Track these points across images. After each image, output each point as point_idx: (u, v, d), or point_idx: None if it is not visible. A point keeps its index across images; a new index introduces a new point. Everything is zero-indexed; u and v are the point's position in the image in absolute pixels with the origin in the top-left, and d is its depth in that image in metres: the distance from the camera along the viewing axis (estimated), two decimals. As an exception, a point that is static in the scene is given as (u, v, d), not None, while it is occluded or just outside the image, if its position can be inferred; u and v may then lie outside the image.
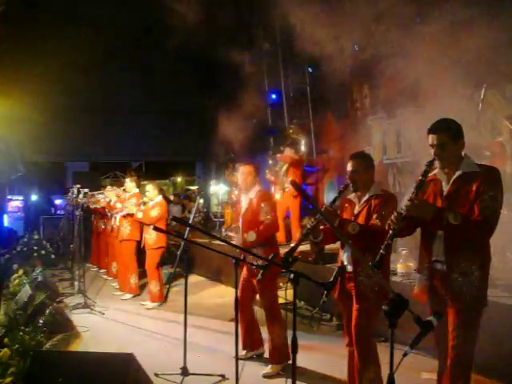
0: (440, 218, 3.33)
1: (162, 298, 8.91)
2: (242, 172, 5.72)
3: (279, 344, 5.45)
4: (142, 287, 9.74)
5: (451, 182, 3.53)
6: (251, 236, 5.43)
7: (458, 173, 3.49)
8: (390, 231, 3.47)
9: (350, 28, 10.39)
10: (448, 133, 3.48)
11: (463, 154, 3.54)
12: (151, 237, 8.71)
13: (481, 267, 3.41)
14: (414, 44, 9.18)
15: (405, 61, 9.28)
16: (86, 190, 9.63)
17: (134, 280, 9.36)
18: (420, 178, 3.49)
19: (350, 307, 4.22)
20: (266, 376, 5.36)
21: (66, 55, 12.82)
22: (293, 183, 3.01)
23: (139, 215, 8.81)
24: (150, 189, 8.83)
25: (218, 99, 12.94)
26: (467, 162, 3.51)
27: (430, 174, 3.57)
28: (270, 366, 5.48)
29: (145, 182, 9.46)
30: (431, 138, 3.52)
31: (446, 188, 3.55)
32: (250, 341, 5.89)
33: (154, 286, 8.78)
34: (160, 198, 8.95)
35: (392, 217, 3.46)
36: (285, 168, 10.09)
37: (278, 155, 10.29)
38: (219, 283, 10.51)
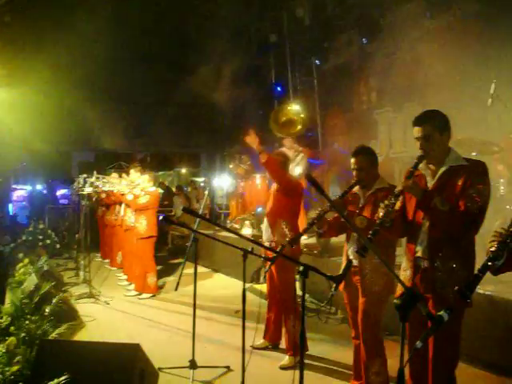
0: (428, 197, 3.24)
1: (157, 289, 8.93)
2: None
3: (297, 335, 5.43)
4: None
5: (437, 177, 3.40)
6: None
7: (444, 168, 3.36)
8: (381, 213, 3.35)
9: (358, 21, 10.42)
10: (433, 124, 3.35)
11: (450, 147, 3.41)
12: (142, 225, 8.62)
13: (464, 266, 3.25)
14: (421, 38, 9.17)
15: (412, 54, 9.27)
16: (92, 179, 9.49)
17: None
18: (411, 169, 3.40)
19: (355, 300, 4.23)
20: (283, 368, 5.30)
21: (73, 46, 12.78)
22: (307, 176, 2.99)
23: (129, 197, 8.83)
24: (145, 179, 8.83)
25: (224, 91, 12.92)
26: (453, 155, 3.38)
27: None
28: (287, 357, 5.43)
29: (150, 173, 9.33)
30: (416, 131, 3.39)
31: (430, 183, 3.43)
32: (272, 331, 5.87)
33: (151, 279, 8.72)
34: (153, 188, 8.94)
35: (386, 201, 3.37)
36: (304, 161, 9.66)
37: (301, 148, 9.85)
38: (224, 274, 10.53)
